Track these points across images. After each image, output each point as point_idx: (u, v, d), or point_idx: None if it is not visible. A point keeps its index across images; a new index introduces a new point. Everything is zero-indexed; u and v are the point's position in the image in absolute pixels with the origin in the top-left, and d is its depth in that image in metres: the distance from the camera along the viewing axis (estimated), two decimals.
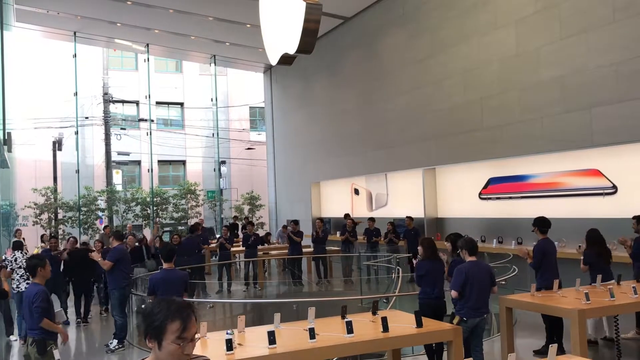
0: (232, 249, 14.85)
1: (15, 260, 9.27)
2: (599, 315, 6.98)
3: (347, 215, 16.17)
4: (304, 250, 14.86)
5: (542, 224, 7.56)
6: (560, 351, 6.56)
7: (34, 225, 21.35)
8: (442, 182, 14.79)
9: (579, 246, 7.96)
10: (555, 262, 7.48)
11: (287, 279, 14.55)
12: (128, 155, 26.18)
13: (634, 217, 8.00)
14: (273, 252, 16.38)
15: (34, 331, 5.44)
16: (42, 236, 15.53)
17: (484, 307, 5.93)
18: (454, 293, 5.87)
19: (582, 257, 7.68)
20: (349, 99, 17.85)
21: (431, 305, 6.40)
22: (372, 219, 14.95)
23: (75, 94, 22.02)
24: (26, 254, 9.79)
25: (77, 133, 22.35)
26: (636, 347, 7.68)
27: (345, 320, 5.29)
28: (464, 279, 5.82)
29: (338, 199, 19.70)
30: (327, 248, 14.83)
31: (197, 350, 2.32)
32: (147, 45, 22.44)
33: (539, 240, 7.55)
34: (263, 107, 25.94)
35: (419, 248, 6.81)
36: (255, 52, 19.57)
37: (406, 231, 13.96)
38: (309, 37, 6.85)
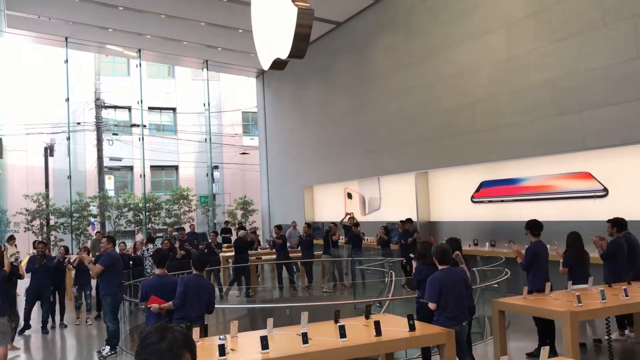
0: (225, 253, 14.82)
1: (148, 250, 12.39)
2: (590, 317, 7.01)
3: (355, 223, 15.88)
4: (296, 254, 14.83)
5: (534, 226, 7.60)
6: (553, 353, 6.58)
7: (25, 231, 21.23)
8: (435, 185, 14.83)
9: (555, 246, 7.96)
10: (547, 265, 7.51)
11: (281, 283, 14.51)
12: (120, 160, 26.12)
13: (609, 221, 8.08)
14: (265, 257, 16.34)
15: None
16: (34, 242, 15.43)
17: (462, 314, 5.81)
18: (432, 305, 5.76)
19: (561, 260, 7.72)
20: (341, 103, 17.89)
21: (428, 309, 6.38)
22: (357, 224, 14.97)
23: (67, 99, 21.95)
24: (156, 246, 12.68)
25: (69, 139, 22.27)
26: (621, 348, 7.72)
27: (338, 324, 5.29)
28: (438, 289, 5.71)
29: (331, 203, 19.71)
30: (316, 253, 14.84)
31: None
32: (139, 50, 22.41)
33: (531, 243, 7.59)
34: (256, 112, 25.94)
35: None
36: (248, 57, 19.58)
37: (400, 235, 13.99)
38: (301, 42, 6.86)
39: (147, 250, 12.61)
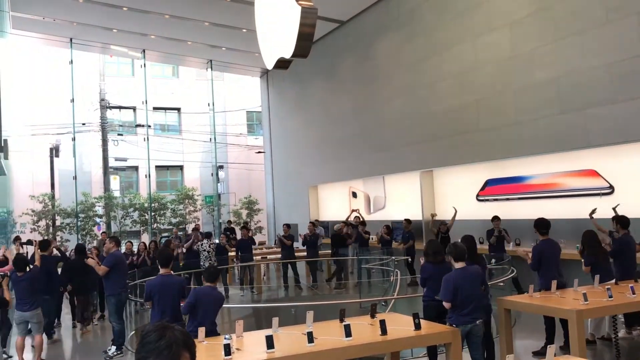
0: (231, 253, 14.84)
1: (201, 244, 13.47)
2: (597, 315, 6.98)
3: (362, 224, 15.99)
4: (301, 254, 14.83)
5: (541, 225, 7.60)
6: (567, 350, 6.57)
7: (31, 232, 21.28)
8: (440, 184, 14.81)
9: (577, 246, 8.02)
10: (556, 263, 7.46)
11: (286, 283, 14.52)
12: (125, 161, 26.16)
13: (613, 219, 8.14)
14: (270, 257, 16.35)
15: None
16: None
17: (475, 312, 5.78)
18: (446, 304, 5.76)
19: (582, 260, 7.72)
20: (345, 102, 17.88)
21: (434, 307, 6.38)
22: (363, 223, 14.97)
23: (72, 100, 22.02)
24: (213, 242, 13.80)
25: (74, 139, 22.33)
26: (628, 346, 7.69)
27: (344, 323, 5.29)
28: (453, 288, 5.72)
29: (336, 203, 19.70)
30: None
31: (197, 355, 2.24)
32: (144, 51, 22.46)
33: (539, 242, 7.58)
34: (260, 112, 25.94)
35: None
36: (252, 56, 19.60)
37: (403, 234, 13.98)
38: (305, 41, 6.84)
39: (202, 245, 13.46)
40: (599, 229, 8.55)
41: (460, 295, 5.70)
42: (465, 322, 5.65)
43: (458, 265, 5.87)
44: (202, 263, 13.08)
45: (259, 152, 24.65)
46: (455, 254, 5.90)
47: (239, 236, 16.19)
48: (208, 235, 13.99)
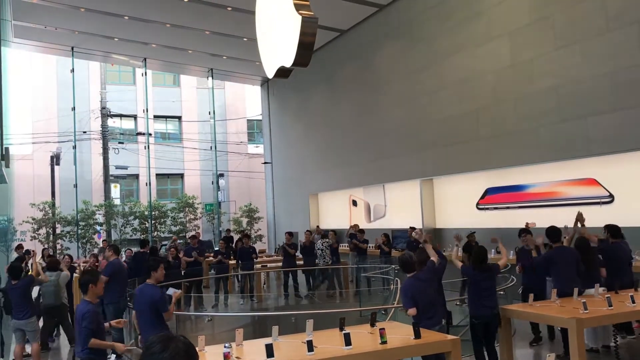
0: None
1: (315, 244, 14.11)
2: (597, 324, 6.97)
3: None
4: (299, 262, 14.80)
5: (550, 234, 7.68)
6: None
7: (32, 240, 21.29)
8: (440, 192, 14.81)
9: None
10: (566, 271, 7.39)
11: (286, 291, 14.48)
12: (126, 169, 26.20)
13: (605, 227, 8.22)
14: (270, 265, 16.30)
15: (82, 351, 5.21)
16: (42, 251, 15.50)
17: (438, 315, 5.99)
18: (412, 311, 5.82)
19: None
20: (345, 110, 17.92)
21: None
22: (361, 231, 14.95)
23: (73, 108, 22.08)
24: (326, 241, 14.12)
25: (75, 147, 22.36)
26: (628, 352, 7.67)
27: (344, 332, 5.29)
28: (411, 296, 5.86)
29: (336, 211, 19.69)
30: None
31: None
32: (145, 59, 22.53)
33: (551, 249, 7.63)
34: (260, 120, 25.98)
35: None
36: (252, 65, 19.66)
37: (408, 242, 13.95)
38: (305, 50, 6.87)
39: (316, 244, 14.20)
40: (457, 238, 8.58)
41: (421, 302, 5.84)
42: (432, 326, 5.78)
43: (409, 275, 6.06)
44: (317, 261, 13.97)
45: (265, 162, 24.51)
46: (401, 266, 6.11)
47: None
48: (324, 235, 14.69)
